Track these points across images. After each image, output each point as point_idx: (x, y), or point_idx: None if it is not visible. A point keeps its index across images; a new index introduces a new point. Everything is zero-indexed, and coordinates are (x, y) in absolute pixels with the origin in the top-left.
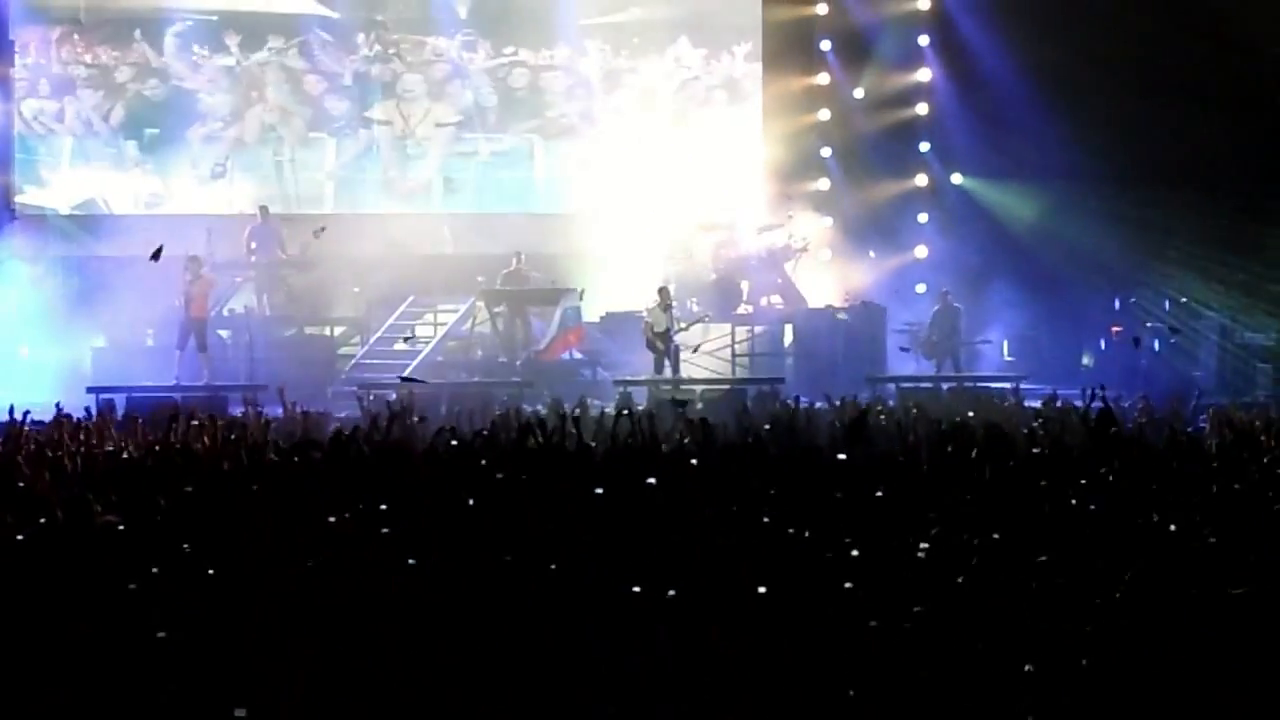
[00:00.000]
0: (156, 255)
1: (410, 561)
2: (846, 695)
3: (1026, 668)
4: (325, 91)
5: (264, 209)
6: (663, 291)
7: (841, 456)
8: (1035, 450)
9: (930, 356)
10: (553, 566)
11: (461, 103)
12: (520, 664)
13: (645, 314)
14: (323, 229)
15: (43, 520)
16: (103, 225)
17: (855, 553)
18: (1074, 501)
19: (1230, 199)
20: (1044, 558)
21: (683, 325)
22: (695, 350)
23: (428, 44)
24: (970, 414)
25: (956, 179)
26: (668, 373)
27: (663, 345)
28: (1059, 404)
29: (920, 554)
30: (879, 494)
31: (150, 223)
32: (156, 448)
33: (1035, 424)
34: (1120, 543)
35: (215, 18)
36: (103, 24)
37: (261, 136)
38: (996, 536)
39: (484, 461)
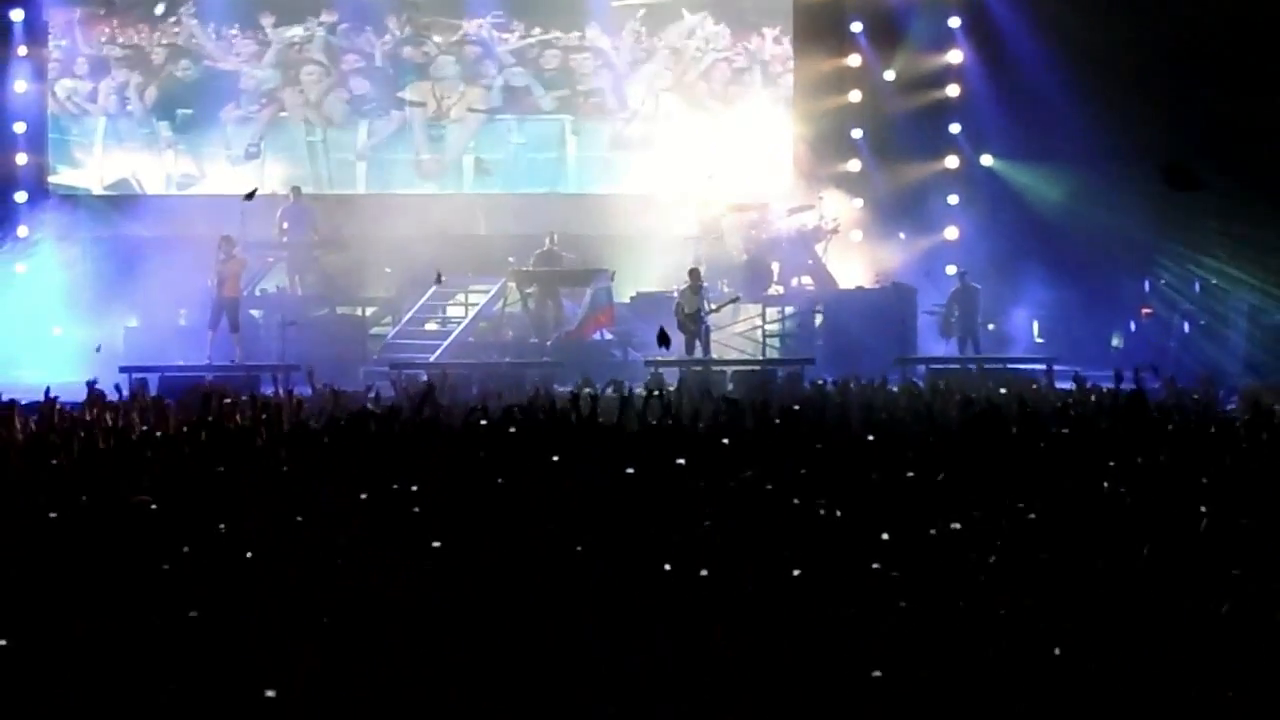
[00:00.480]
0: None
1: (436, 544)
2: (874, 676)
3: (1056, 650)
4: (357, 72)
5: (296, 189)
6: (693, 273)
7: (870, 438)
8: (1064, 431)
9: (948, 336)
10: (579, 546)
11: (494, 85)
12: (550, 641)
13: (676, 295)
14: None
15: (76, 499)
16: (136, 205)
17: (885, 535)
18: (1105, 484)
19: (1261, 180)
20: (1072, 540)
21: (713, 307)
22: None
23: (460, 25)
24: (1001, 393)
25: (986, 160)
26: (698, 354)
27: (693, 326)
28: (1089, 385)
29: (951, 534)
30: (909, 475)
31: (183, 203)
32: (185, 428)
33: (1065, 404)
34: (1150, 525)
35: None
36: (136, 4)
37: (294, 117)
38: (1031, 516)
39: (515, 440)
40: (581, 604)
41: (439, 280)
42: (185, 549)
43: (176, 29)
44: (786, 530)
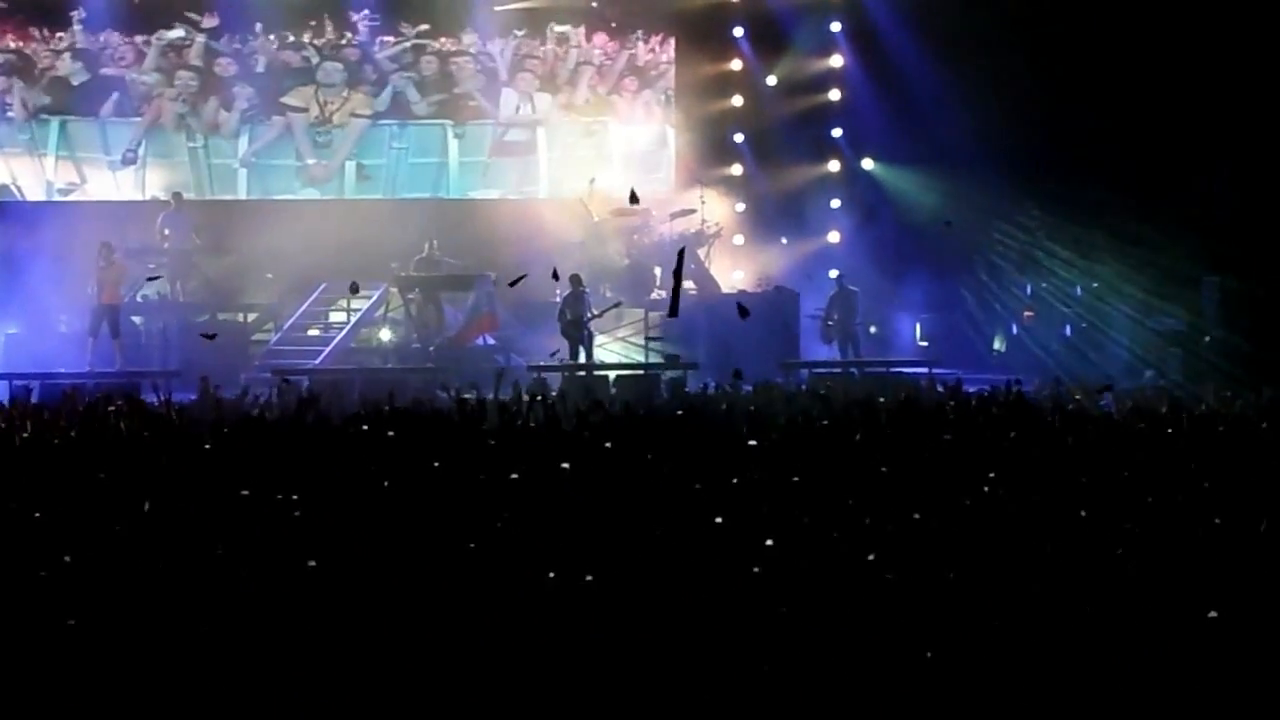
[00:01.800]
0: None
1: (310, 563)
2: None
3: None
4: (238, 77)
5: (177, 195)
6: (575, 279)
7: (752, 442)
8: (946, 437)
9: (829, 340)
10: (464, 549)
11: (377, 91)
12: (435, 649)
13: (559, 301)
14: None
15: None
16: (16, 212)
17: (768, 541)
18: (984, 485)
19: (1140, 186)
20: (955, 541)
21: (595, 313)
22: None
23: (343, 30)
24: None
25: (867, 164)
26: (582, 359)
27: (576, 332)
28: (970, 389)
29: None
30: (794, 478)
31: (64, 210)
32: (71, 433)
33: (942, 405)
34: (1029, 523)
35: (130, 2)
36: (17, 8)
37: (175, 123)
38: (914, 518)
39: (397, 445)
40: (466, 610)
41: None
42: (65, 557)
43: (59, 34)
44: (670, 534)
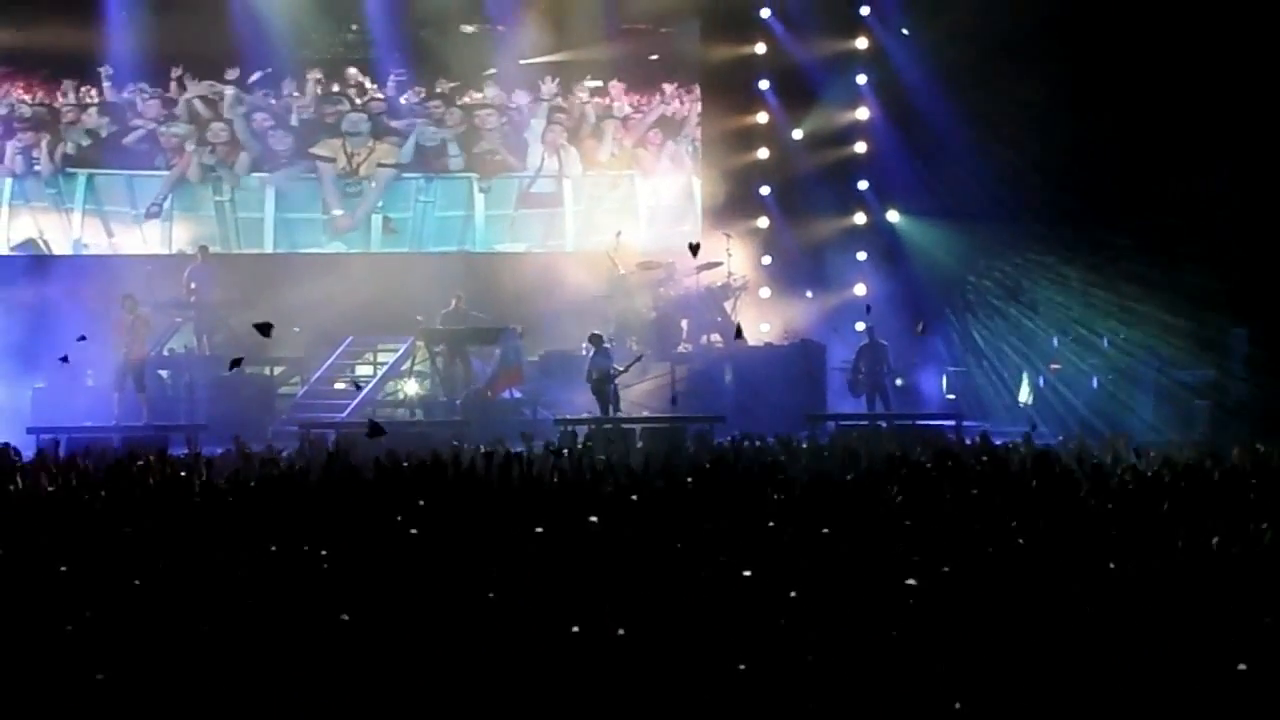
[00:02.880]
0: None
1: (344, 616)
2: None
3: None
4: (267, 129)
5: (204, 248)
6: (595, 338)
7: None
8: (974, 492)
9: (857, 393)
10: (492, 599)
11: (403, 143)
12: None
13: (586, 361)
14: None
15: None
16: (42, 266)
17: (792, 593)
18: (1017, 539)
19: (1167, 241)
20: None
21: (621, 369)
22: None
23: (368, 84)
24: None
25: (893, 217)
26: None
27: (605, 388)
28: (997, 442)
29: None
30: (820, 531)
31: (90, 264)
32: (97, 489)
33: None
34: (1056, 579)
35: (157, 56)
36: (44, 62)
37: (202, 176)
38: (946, 570)
39: (422, 499)
40: (496, 662)
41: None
42: (90, 611)
43: (87, 88)
44: (701, 588)
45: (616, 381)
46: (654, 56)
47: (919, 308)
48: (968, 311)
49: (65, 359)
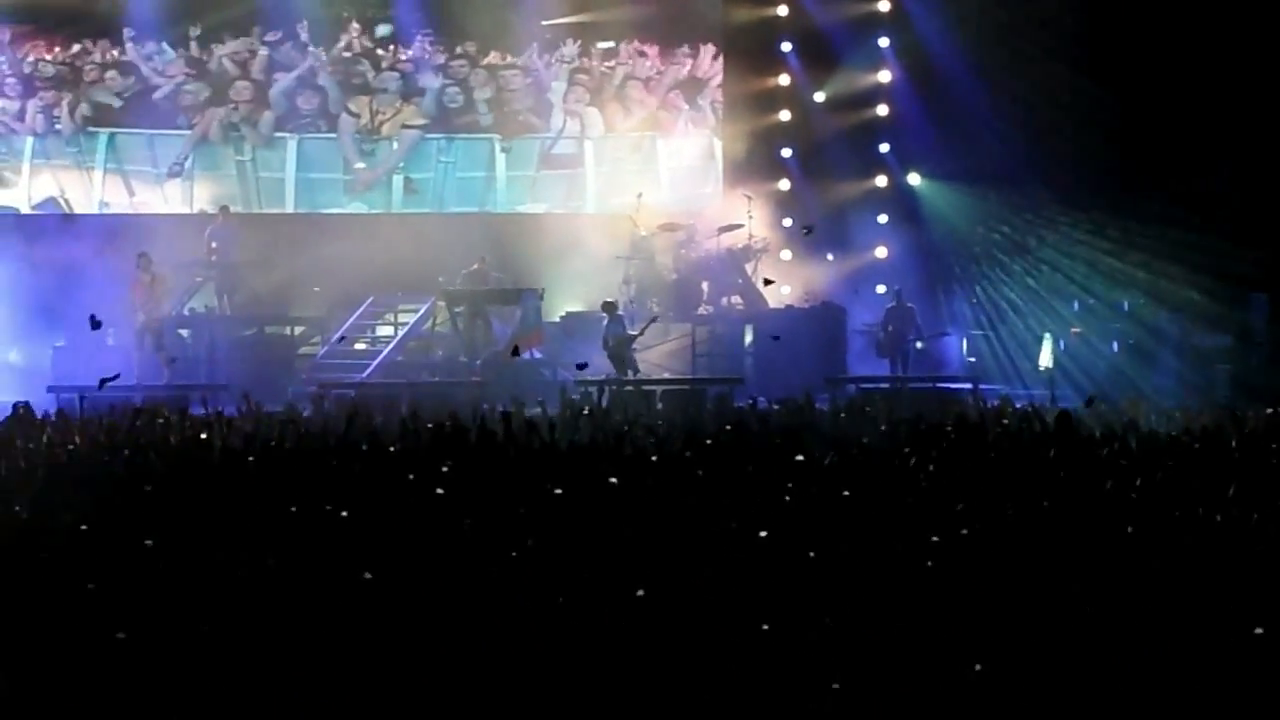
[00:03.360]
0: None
1: (367, 575)
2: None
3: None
4: (293, 88)
5: (225, 208)
6: (608, 305)
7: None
8: (992, 455)
9: (882, 355)
10: (514, 564)
11: (426, 104)
12: (491, 662)
13: (603, 328)
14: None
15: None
16: (64, 225)
17: (811, 554)
18: (1035, 504)
19: (1190, 207)
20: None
21: (637, 332)
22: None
23: (394, 44)
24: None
25: (914, 180)
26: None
27: (624, 354)
28: (1017, 405)
29: (883, 553)
30: (841, 495)
31: (111, 222)
32: (123, 448)
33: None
34: (1073, 544)
35: (179, 14)
36: (64, 21)
37: (223, 135)
38: (965, 533)
39: (448, 461)
40: (520, 624)
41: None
42: (113, 570)
43: (109, 46)
44: (719, 551)
45: (634, 346)
46: (676, 18)
47: (940, 270)
48: (988, 274)
49: (96, 323)
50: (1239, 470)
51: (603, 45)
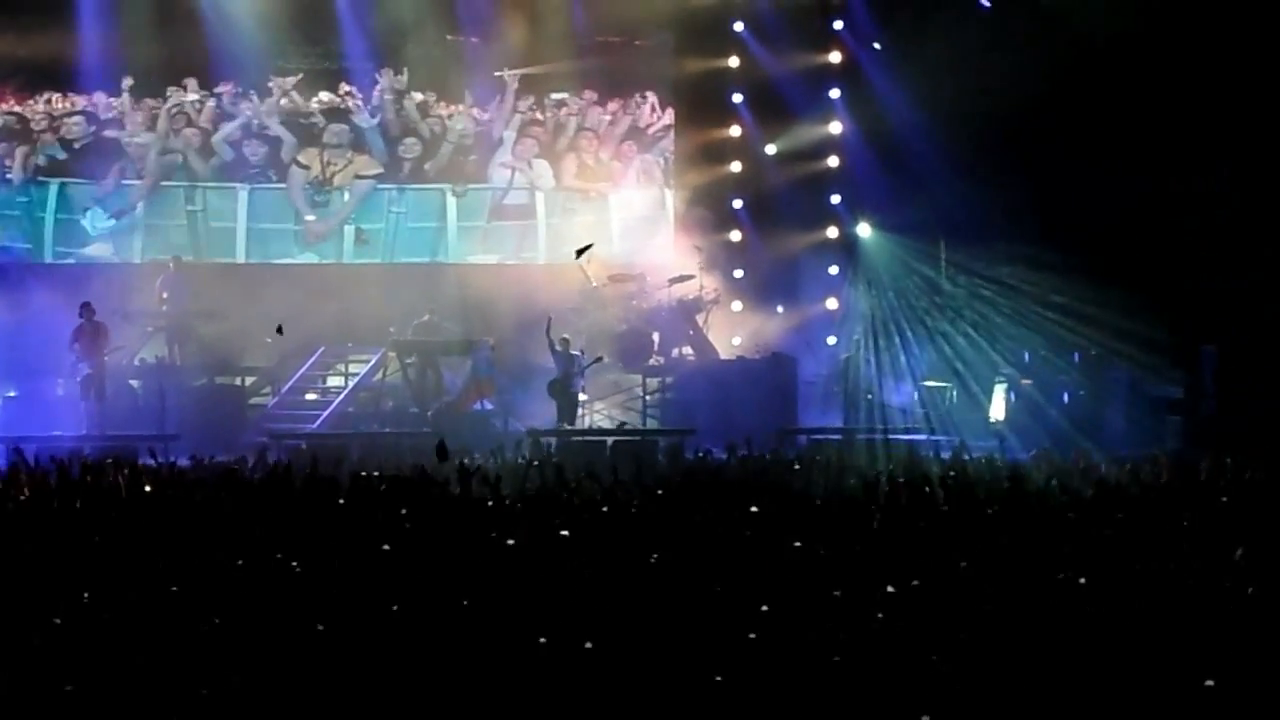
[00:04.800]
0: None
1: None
2: None
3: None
4: (242, 139)
5: (177, 258)
6: (565, 341)
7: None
8: (945, 509)
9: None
10: (465, 613)
11: (377, 154)
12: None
13: (557, 364)
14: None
15: None
16: (12, 275)
17: (764, 607)
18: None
19: (1137, 254)
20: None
21: (585, 364)
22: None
23: (345, 95)
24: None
25: (864, 231)
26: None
27: (566, 394)
28: (967, 457)
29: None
30: (795, 545)
31: (61, 272)
32: (72, 499)
33: (948, 477)
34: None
35: (130, 65)
36: (14, 72)
37: (174, 184)
38: (916, 583)
39: (399, 510)
40: (469, 673)
41: (279, 331)
42: (62, 620)
43: (59, 97)
44: (673, 600)
45: (579, 385)
46: (627, 69)
47: (891, 321)
48: (938, 325)
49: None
50: (1191, 518)
51: (554, 97)
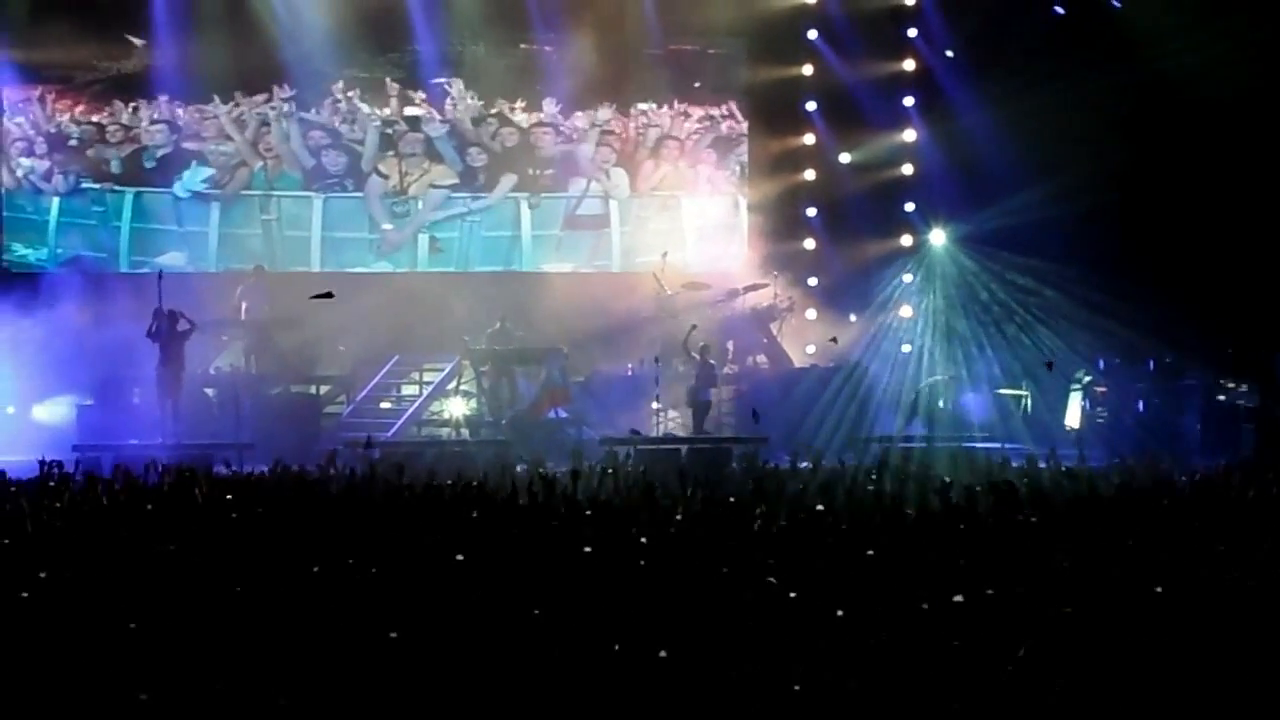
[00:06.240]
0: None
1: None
2: None
3: None
4: (321, 148)
5: (259, 268)
6: (705, 349)
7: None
8: (1020, 518)
9: (911, 416)
10: (539, 621)
11: (454, 163)
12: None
13: (693, 372)
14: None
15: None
16: (88, 284)
17: (840, 612)
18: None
19: (1211, 262)
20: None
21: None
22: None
23: (421, 102)
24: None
25: (938, 239)
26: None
27: (693, 401)
28: (1042, 464)
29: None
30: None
31: (135, 281)
32: (147, 505)
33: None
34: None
35: (207, 74)
36: (92, 81)
37: (251, 194)
38: (990, 593)
39: (474, 515)
40: (539, 681)
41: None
42: (135, 628)
43: (135, 106)
44: (749, 612)
45: (710, 394)
46: (701, 77)
47: (966, 328)
48: (1012, 334)
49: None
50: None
51: (627, 105)
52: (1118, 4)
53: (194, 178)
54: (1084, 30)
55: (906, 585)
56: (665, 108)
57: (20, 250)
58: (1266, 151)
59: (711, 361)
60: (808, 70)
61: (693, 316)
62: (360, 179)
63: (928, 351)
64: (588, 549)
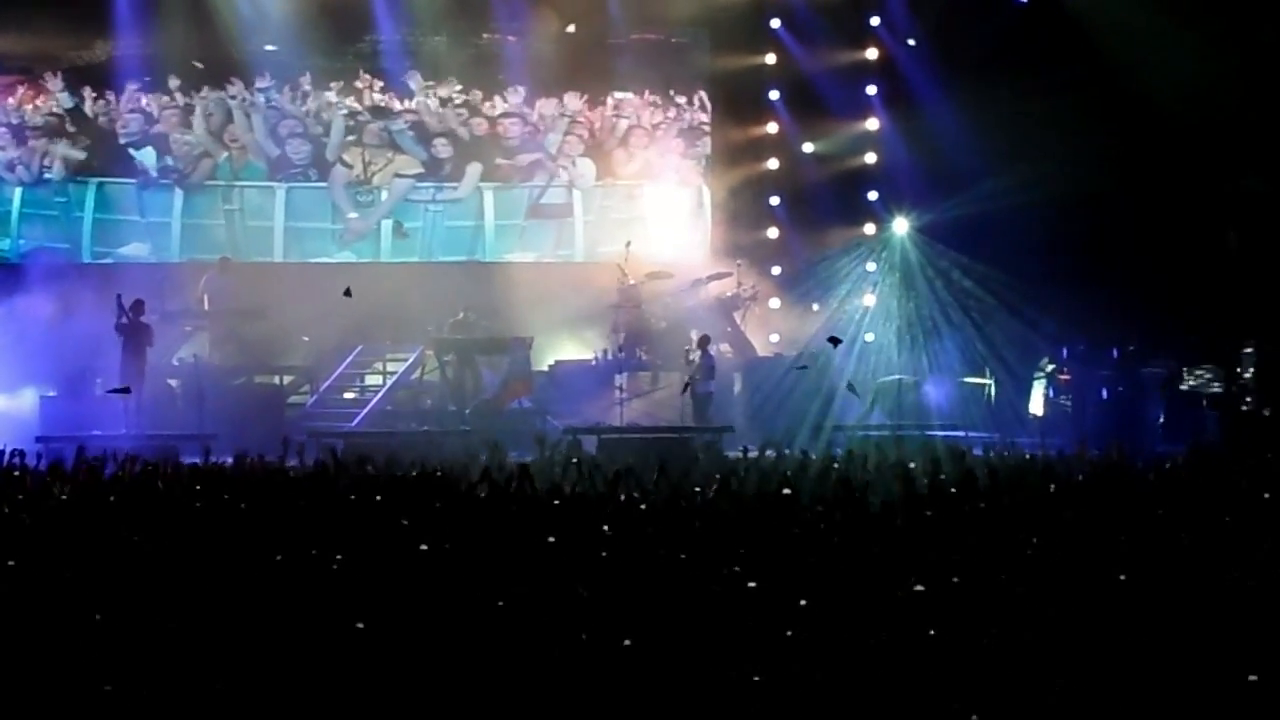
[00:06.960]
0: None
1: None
2: None
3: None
4: (284, 138)
5: (225, 259)
6: (704, 339)
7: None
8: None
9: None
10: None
11: (416, 153)
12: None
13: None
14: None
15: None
16: (51, 274)
17: (803, 602)
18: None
19: (1174, 250)
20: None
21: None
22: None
23: (383, 93)
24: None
25: (900, 227)
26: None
27: (693, 393)
28: (1007, 454)
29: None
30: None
31: (98, 271)
32: (110, 496)
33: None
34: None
35: (170, 64)
36: (56, 72)
37: (215, 184)
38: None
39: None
40: (503, 670)
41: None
42: (101, 620)
43: (98, 95)
44: (714, 602)
45: (710, 386)
46: (664, 67)
47: (928, 317)
48: (975, 321)
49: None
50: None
51: (590, 95)
52: None
53: (146, 160)
54: (1046, 20)
55: (871, 574)
56: (636, 97)
57: None
58: (1228, 141)
59: (711, 353)
60: (770, 59)
61: (655, 306)
62: (325, 169)
63: (890, 340)
64: (551, 539)
